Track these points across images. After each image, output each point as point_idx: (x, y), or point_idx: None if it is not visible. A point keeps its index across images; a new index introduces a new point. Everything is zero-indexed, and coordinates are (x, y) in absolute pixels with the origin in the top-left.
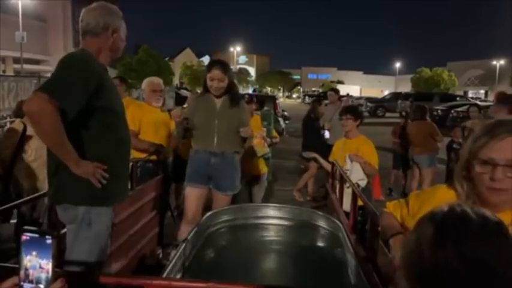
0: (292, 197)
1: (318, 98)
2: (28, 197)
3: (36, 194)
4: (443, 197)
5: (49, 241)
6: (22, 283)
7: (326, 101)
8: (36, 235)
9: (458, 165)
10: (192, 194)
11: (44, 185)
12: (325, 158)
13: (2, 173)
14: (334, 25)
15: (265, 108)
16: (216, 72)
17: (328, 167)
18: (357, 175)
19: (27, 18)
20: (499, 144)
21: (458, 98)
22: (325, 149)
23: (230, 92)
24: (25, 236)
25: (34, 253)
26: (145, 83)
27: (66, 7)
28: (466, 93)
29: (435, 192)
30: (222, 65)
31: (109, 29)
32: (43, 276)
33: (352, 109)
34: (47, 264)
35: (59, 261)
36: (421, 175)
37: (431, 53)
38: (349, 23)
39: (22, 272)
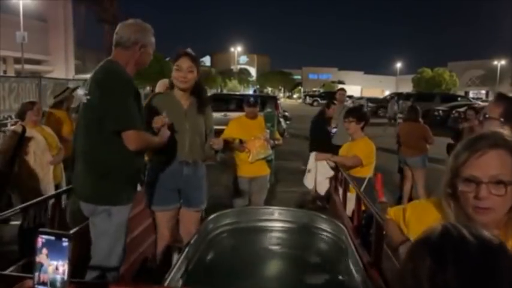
0: (295, 198)
1: (328, 102)
2: (38, 199)
3: (45, 196)
4: (435, 216)
5: (65, 244)
6: (37, 286)
7: (335, 102)
8: (53, 238)
9: (443, 183)
10: (164, 218)
11: (45, 186)
12: None
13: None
14: (335, 25)
15: (268, 109)
16: (186, 61)
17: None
18: (323, 174)
19: (28, 18)
20: (480, 160)
21: (459, 99)
22: (332, 150)
23: (197, 91)
24: (41, 239)
25: (50, 256)
26: (161, 85)
27: (67, 7)
28: (467, 93)
29: (429, 208)
30: (192, 55)
31: (138, 44)
32: (58, 279)
33: (355, 111)
34: (63, 268)
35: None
36: (413, 176)
37: (432, 53)
38: (350, 23)
39: (36, 275)
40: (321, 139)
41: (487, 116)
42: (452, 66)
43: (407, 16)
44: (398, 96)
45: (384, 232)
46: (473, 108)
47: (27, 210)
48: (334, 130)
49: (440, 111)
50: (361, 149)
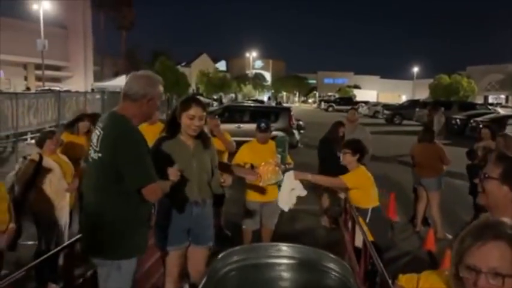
0: (306, 219)
1: (339, 122)
2: (76, 237)
3: (60, 247)
4: None
5: None
6: None
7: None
8: None
9: (451, 263)
10: (174, 257)
11: (59, 213)
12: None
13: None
14: (351, 29)
15: (281, 134)
16: (198, 110)
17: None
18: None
19: (48, 25)
20: (481, 250)
21: (477, 107)
22: (343, 171)
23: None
24: None
25: None
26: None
27: (86, 14)
28: (486, 98)
29: (442, 280)
30: (201, 102)
31: (146, 97)
32: None
33: (352, 144)
34: None
35: None
36: (428, 197)
37: (451, 57)
38: (366, 27)
39: None
40: (329, 161)
41: (486, 175)
42: (471, 71)
43: (424, 20)
44: (445, 105)
45: None
46: (488, 127)
47: (42, 236)
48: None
49: (458, 120)
50: (350, 176)
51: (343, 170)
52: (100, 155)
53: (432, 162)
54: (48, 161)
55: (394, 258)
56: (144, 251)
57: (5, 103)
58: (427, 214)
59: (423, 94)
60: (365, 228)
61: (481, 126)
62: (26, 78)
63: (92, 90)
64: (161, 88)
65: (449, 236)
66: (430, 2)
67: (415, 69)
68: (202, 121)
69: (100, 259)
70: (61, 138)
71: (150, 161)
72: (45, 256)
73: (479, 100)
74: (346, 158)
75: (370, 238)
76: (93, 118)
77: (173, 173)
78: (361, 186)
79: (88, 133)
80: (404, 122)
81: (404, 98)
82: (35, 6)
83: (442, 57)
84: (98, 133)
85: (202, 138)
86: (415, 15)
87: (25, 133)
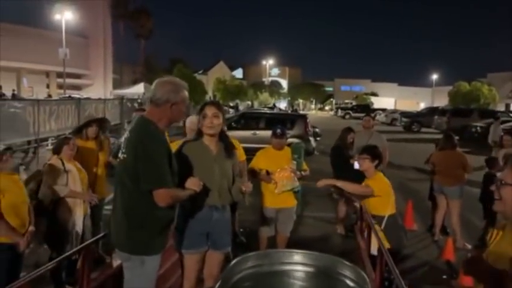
0: (321, 227)
1: (348, 128)
2: (94, 238)
3: (74, 249)
4: None
5: None
6: None
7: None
8: None
9: None
10: (192, 261)
11: (74, 217)
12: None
13: (49, 208)
14: (368, 37)
15: (297, 140)
16: (210, 108)
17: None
18: None
19: (69, 34)
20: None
21: (499, 114)
22: (358, 177)
23: (224, 137)
24: None
25: None
26: (187, 121)
27: (106, 23)
28: (508, 105)
29: None
30: (216, 103)
31: (169, 102)
32: None
33: (370, 149)
34: None
35: None
36: (448, 205)
37: (470, 64)
38: (384, 34)
39: None
40: (343, 168)
41: (503, 182)
42: (492, 78)
43: (444, 26)
44: (465, 112)
45: None
46: (510, 134)
47: (56, 241)
48: (356, 164)
49: (478, 128)
50: (375, 183)
51: (357, 176)
52: (125, 155)
53: (455, 170)
54: (67, 166)
55: (411, 268)
56: (163, 247)
57: (27, 109)
58: (445, 223)
59: (442, 101)
60: (381, 235)
61: (502, 133)
62: (48, 86)
63: (123, 98)
64: (185, 93)
65: (469, 246)
66: (450, 7)
67: (434, 76)
68: (216, 119)
69: (125, 253)
70: (76, 144)
71: (167, 166)
72: (59, 258)
73: (501, 107)
74: (366, 163)
75: (387, 245)
76: (101, 123)
77: (194, 183)
78: (383, 193)
79: (96, 138)
80: (423, 129)
81: (422, 106)
82: (57, 17)
83: (462, 64)
84: (126, 135)
85: (226, 145)
86: (434, 21)
87: (46, 139)
